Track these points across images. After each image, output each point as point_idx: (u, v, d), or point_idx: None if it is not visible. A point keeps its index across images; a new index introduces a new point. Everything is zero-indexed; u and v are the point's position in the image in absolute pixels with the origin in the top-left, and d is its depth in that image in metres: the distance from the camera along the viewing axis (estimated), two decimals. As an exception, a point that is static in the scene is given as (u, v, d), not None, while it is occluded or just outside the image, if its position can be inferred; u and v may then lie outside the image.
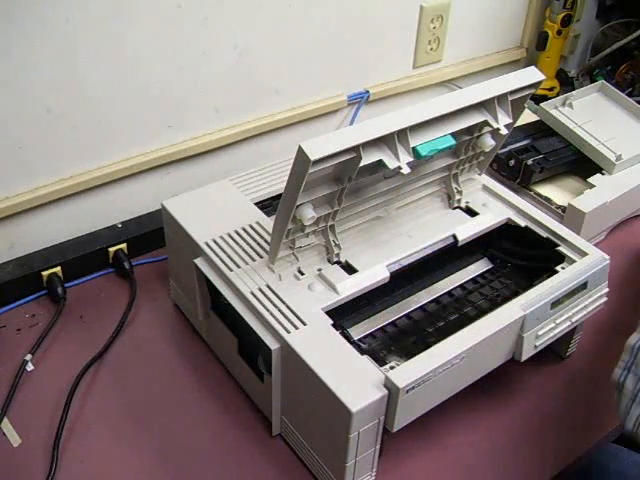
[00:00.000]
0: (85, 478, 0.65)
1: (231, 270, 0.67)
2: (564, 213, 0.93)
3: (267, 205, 0.79)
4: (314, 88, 1.05)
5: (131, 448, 0.68)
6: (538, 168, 0.98)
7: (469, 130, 0.69)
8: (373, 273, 0.68)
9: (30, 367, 0.75)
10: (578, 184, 1.00)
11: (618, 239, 0.98)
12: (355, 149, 0.58)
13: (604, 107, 1.07)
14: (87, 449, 0.67)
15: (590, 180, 0.96)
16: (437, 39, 1.15)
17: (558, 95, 1.23)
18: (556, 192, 0.99)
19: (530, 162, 0.98)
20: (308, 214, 0.62)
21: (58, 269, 0.85)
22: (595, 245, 0.74)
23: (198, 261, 0.70)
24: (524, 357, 0.67)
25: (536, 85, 0.69)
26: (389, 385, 0.57)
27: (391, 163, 0.61)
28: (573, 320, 0.70)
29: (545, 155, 1.00)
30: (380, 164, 0.60)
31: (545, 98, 1.20)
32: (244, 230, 0.73)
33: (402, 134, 0.60)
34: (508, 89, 0.67)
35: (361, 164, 0.59)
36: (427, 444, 0.69)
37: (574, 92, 1.06)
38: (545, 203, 0.97)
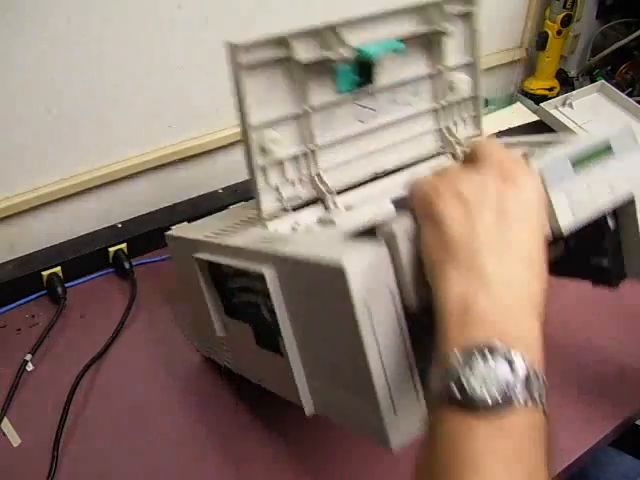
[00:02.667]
0: (85, 478, 0.65)
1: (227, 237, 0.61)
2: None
3: None
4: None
5: (131, 448, 0.68)
6: (538, 168, 0.98)
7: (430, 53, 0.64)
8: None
9: (30, 367, 0.75)
10: (578, 184, 1.00)
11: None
12: (283, 40, 0.55)
13: (604, 107, 1.07)
14: (87, 449, 0.67)
15: (590, 180, 0.96)
16: (437, 39, 1.15)
17: (558, 95, 1.23)
18: (556, 192, 0.99)
19: (530, 162, 0.98)
20: (271, 135, 0.57)
21: (58, 269, 0.85)
22: (595, 245, 0.74)
23: (199, 254, 0.63)
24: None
25: None
26: (386, 236, 0.45)
27: (334, 55, 0.57)
28: None
29: (545, 155, 1.00)
30: (328, 66, 0.57)
31: (545, 98, 1.20)
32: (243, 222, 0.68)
33: (338, 29, 0.58)
34: None
35: (297, 57, 0.56)
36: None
37: (574, 92, 1.07)
38: (545, 203, 0.97)
